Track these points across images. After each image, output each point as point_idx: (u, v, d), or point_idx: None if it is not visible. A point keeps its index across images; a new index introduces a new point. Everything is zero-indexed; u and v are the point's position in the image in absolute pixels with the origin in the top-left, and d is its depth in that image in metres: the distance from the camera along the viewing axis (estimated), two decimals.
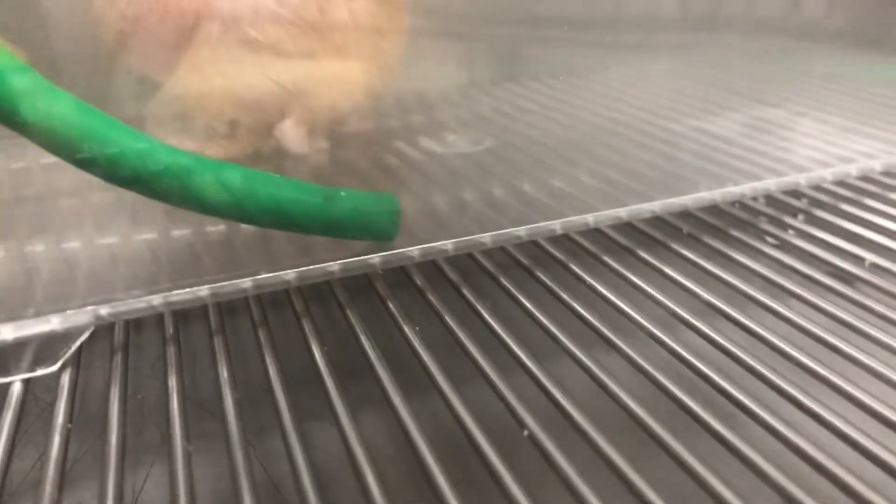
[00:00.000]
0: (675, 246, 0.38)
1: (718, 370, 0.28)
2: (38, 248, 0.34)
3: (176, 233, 0.37)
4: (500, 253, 0.36)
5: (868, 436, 0.25)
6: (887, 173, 0.44)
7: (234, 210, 0.29)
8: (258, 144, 0.44)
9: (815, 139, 0.47)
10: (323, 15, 0.40)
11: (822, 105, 0.53)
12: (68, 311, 0.28)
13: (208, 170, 0.29)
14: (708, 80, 0.58)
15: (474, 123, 0.51)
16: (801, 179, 0.41)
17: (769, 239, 0.39)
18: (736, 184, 0.40)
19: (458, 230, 0.36)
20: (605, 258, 0.36)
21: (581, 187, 0.41)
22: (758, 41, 0.67)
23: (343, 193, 0.31)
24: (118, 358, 0.29)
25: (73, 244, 0.36)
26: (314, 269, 0.31)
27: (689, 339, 0.30)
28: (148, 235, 0.37)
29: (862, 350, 0.29)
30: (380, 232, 0.32)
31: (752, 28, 0.68)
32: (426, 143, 0.47)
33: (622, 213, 0.37)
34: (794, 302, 0.33)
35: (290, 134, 0.43)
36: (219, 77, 0.41)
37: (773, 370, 0.28)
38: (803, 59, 0.63)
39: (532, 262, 0.36)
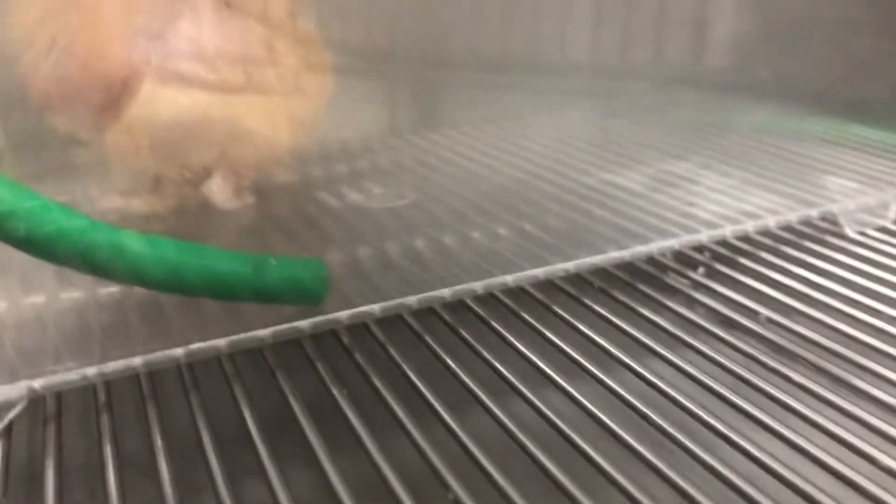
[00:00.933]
0: (587, 301, 0.40)
1: (617, 419, 0.30)
2: None
3: (103, 291, 0.37)
4: (425, 312, 0.38)
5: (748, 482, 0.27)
6: (785, 228, 0.48)
7: (166, 282, 0.30)
8: (184, 199, 0.45)
9: (719, 194, 0.50)
10: (248, 78, 0.42)
11: (725, 158, 0.57)
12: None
13: (140, 245, 0.29)
14: (619, 130, 0.61)
15: (396, 174, 0.53)
16: (703, 238, 0.44)
17: (673, 292, 0.42)
18: (644, 243, 0.42)
19: (385, 290, 0.37)
20: (524, 314, 0.38)
21: (501, 243, 0.44)
22: (665, 91, 0.71)
23: (273, 262, 0.32)
24: (51, 427, 0.30)
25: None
26: (245, 337, 0.32)
27: (592, 389, 0.32)
28: (76, 294, 0.37)
29: (752, 402, 0.32)
30: (309, 297, 0.33)
31: (660, 77, 0.72)
32: (352, 196, 0.49)
33: (539, 273, 0.39)
34: (689, 353, 0.36)
35: (218, 191, 0.44)
36: (145, 137, 0.41)
37: (663, 416, 0.30)
38: (706, 110, 0.67)
39: (455, 320, 0.38)
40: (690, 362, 0.35)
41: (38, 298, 0.36)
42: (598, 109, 0.68)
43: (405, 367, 0.34)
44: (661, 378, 0.33)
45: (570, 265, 0.40)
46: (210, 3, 0.41)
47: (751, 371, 0.34)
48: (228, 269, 0.31)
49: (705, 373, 0.34)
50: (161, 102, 0.40)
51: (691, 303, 0.41)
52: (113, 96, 0.40)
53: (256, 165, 0.45)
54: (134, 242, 0.29)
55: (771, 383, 0.33)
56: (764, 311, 0.40)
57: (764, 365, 0.35)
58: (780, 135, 0.61)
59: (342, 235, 0.45)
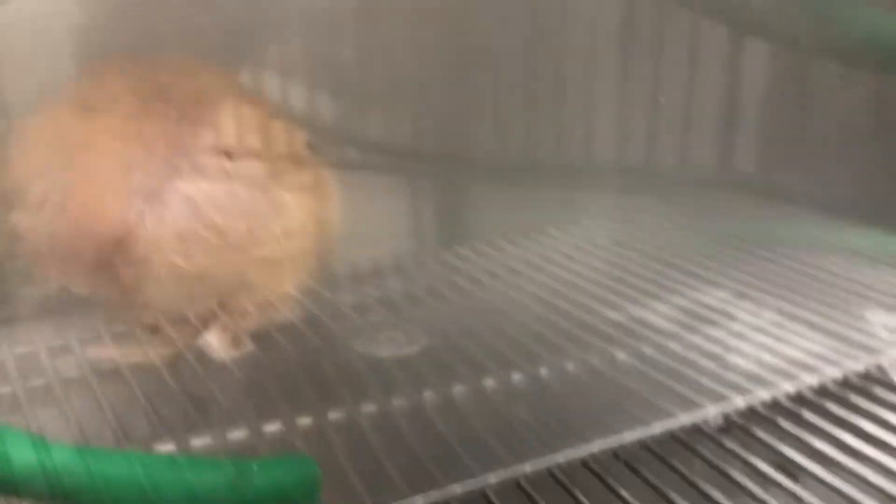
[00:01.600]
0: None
1: None
2: None
3: None
4: None
5: None
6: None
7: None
8: (180, 348, 0.42)
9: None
10: (251, 234, 0.39)
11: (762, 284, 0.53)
12: None
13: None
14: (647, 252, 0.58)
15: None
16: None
17: None
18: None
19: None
20: None
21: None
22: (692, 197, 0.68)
23: (255, 466, 0.29)
24: None
25: None
26: None
27: None
28: None
29: None
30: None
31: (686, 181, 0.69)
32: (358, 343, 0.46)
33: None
34: None
35: (215, 343, 0.42)
36: (140, 295, 0.39)
37: None
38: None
39: None
40: None
41: None
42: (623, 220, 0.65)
43: None
44: None
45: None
46: (210, 158, 0.38)
47: None
48: (205, 480, 0.28)
49: None
50: (158, 262, 0.38)
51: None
52: (106, 255, 0.38)
53: (255, 314, 0.42)
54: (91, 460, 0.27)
55: None
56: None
57: None
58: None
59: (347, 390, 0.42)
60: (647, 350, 0.45)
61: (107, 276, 0.38)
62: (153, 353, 0.43)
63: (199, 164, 0.37)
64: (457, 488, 0.33)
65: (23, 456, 0.25)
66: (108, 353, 0.43)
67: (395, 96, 0.58)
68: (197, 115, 0.38)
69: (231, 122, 0.39)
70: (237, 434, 0.37)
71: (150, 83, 0.38)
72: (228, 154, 0.39)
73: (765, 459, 0.38)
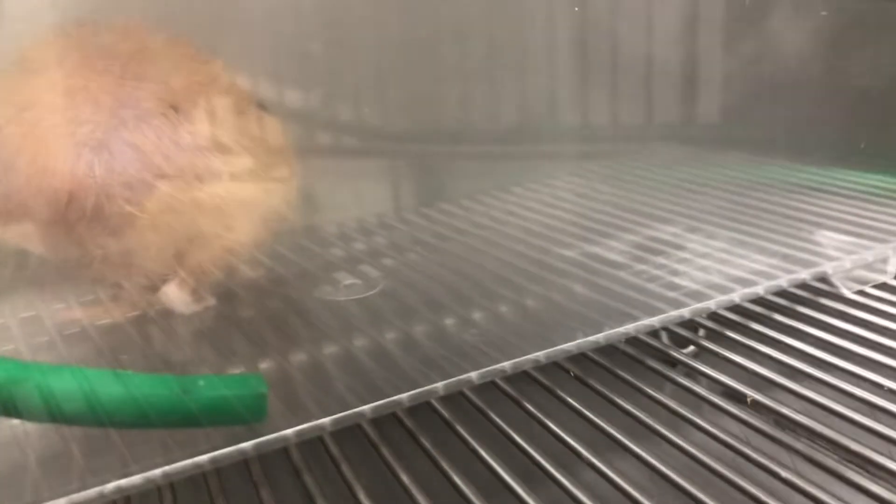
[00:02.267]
0: (560, 392, 0.38)
1: None
2: None
3: None
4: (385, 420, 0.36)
5: None
6: (777, 293, 0.45)
7: (82, 417, 0.28)
8: (143, 306, 0.43)
9: (707, 259, 0.48)
10: (199, 180, 0.41)
11: (712, 218, 0.54)
12: None
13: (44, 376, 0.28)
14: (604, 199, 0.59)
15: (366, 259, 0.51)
16: (685, 313, 0.41)
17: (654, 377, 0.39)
18: (622, 324, 0.40)
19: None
20: (492, 415, 0.36)
21: (473, 334, 0.41)
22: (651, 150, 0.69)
23: (202, 382, 0.30)
24: None
25: None
26: (182, 465, 0.31)
27: None
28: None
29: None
30: (245, 418, 0.32)
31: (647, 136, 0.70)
32: (321, 290, 0.47)
33: (507, 366, 0.37)
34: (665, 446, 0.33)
35: (174, 296, 0.43)
36: (96, 248, 0.40)
37: None
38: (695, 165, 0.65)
39: (415, 425, 0.35)
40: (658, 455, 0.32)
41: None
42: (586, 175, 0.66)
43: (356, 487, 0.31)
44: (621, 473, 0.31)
45: (541, 355, 0.38)
46: (155, 108, 0.40)
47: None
48: (150, 394, 0.29)
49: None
50: (110, 213, 0.39)
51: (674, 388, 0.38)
52: (60, 210, 0.39)
53: (215, 267, 0.43)
54: (37, 374, 0.28)
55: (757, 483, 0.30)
56: (752, 394, 0.37)
57: (751, 460, 0.32)
58: (765, 187, 0.59)
59: (308, 334, 0.43)
60: (601, 281, 0.46)
61: (62, 232, 0.39)
62: (117, 313, 0.44)
63: (144, 116, 0.38)
64: (404, 398, 0.34)
65: None
66: (75, 316, 0.44)
67: (362, 81, 0.59)
68: (140, 70, 0.39)
69: (176, 77, 0.40)
70: None
71: (91, 43, 0.39)
72: (175, 108, 0.40)
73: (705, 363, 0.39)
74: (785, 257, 0.46)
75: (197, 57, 0.43)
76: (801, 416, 0.35)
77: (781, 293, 0.45)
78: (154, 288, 0.43)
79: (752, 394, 0.37)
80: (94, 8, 0.44)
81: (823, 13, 0.57)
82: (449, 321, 0.43)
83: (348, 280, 0.48)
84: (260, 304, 0.46)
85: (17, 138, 0.38)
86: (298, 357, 0.40)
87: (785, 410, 0.35)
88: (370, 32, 0.57)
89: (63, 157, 0.38)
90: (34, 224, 0.39)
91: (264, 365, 0.40)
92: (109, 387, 0.29)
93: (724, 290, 0.42)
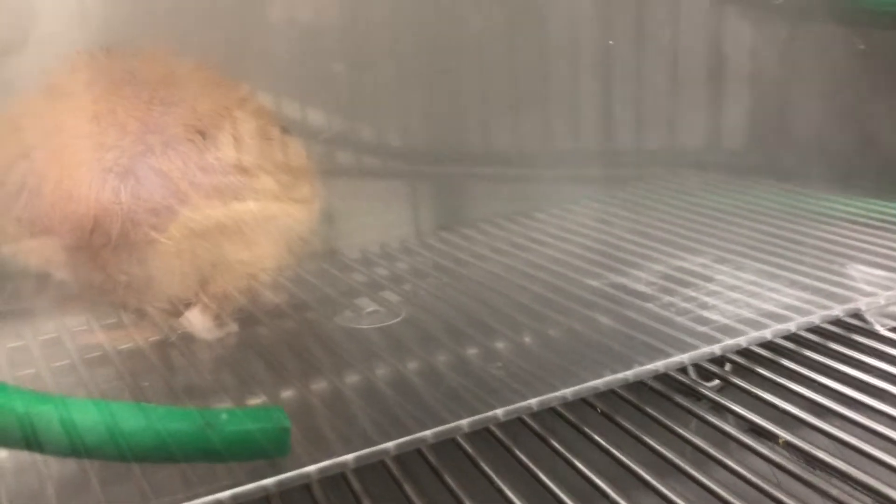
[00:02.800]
0: (587, 430, 0.37)
1: None
2: None
3: None
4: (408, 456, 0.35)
5: None
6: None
7: (104, 450, 0.28)
8: (165, 330, 0.43)
9: (737, 292, 0.47)
10: (227, 208, 0.40)
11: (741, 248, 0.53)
12: None
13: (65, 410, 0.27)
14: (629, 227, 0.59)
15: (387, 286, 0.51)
16: (716, 349, 0.41)
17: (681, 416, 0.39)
18: (652, 360, 0.39)
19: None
20: (517, 452, 0.36)
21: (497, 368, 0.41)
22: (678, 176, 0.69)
23: (225, 415, 0.30)
24: None
25: None
26: (203, 501, 0.30)
27: None
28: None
29: None
30: (268, 453, 0.31)
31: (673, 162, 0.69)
32: (343, 316, 0.47)
33: (533, 403, 0.36)
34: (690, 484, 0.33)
35: (197, 321, 0.42)
36: (121, 273, 0.40)
37: None
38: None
39: (439, 461, 0.35)
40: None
41: None
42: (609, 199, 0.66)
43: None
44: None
45: (569, 392, 0.37)
46: (182, 134, 0.39)
47: None
48: (173, 427, 0.29)
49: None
50: (135, 239, 0.39)
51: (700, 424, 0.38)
52: (84, 236, 0.39)
53: (238, 292, 0.43)
54: (59, 406, 0.27)
55: None
56: (781, 433, 0.36)
57: (780, 502, 0.31)
58: (794, 217, 0.58)
59: (329, 362, 0.42)
60: (628, 313, 0.45)
61: (86, 257, 0.39)
62: (139, 337, 0.44)
63: (171, 142, 0.38)
64: (428, 435, 0.34)
65: None
66: (97, 339, 0.44)
67: (384, 102, 0.59)
68: (167, 95, 0.39)
69: (203, 102, 0.40)
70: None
71: (119, 68, 0.39)
72: (202, 133, 0.40)
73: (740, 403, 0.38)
74: (817, 291, 0.45)
75: (223, 81, 0.43)
76: (833, 457, 0.34)
77: (813, 329, 0.44)
78: (176, 313, 0.43)
79: (781, 433, 0.36)
80: (121, 33, 0.45)
81: (861, 47, 0.56)
82: (472, 351, 0.42)
83: (370, 307, 0.48)
84: (281, 330, 0.45)
85: (43, 163, 0.38)
86: (320, 385, 0.39)
87: (816, 451, 0.34)
88: (392, 55, 0.57)
89: (89, 182, 0.38)
90: (58, 249, 0.39)
91: (286, 393, 0.39)
92: (132, 419, 0.29)
93: (755, 325, 0.41)
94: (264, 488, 0.31)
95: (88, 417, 0.28)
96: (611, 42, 0.59)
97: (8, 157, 0.38)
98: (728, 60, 0.66)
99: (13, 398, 0.27)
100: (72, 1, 0.44)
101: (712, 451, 0.35)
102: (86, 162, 0.38)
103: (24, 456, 0.33)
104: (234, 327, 0.44)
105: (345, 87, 0.58)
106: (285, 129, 0.45)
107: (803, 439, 0.36)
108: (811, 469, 0.34)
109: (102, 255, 0.39)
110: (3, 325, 0.45)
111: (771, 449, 0.35)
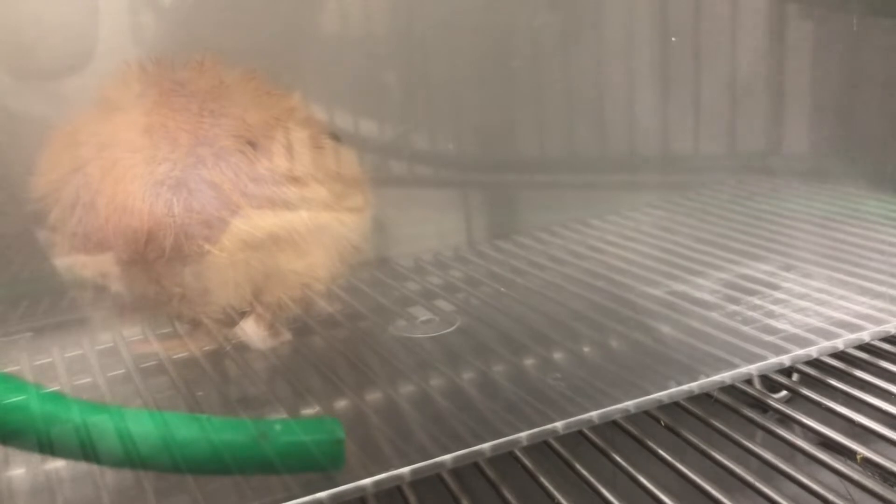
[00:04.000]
0: (650, 443, 0.36)
1: None
2: None
3: None
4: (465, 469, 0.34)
5: None
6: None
7: (158, 460, 0.27)
8: (219, 340, 0.43)
9: (805, 301, 0.45)
10: (279, 218, 0.40)
11: (809, 255, 0.51)
12: None
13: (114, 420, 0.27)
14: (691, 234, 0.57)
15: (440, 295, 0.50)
16: (785, 360, 0.39)
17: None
18: (717, 371, 0.38)
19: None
20: (577, 465, 0.34)
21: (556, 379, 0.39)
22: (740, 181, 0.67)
23: (278, 426, 0.29)
24: None
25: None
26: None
27: None
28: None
29: None
30: (322, 465, 0.30)
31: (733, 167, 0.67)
32: (396, 325, 0.46)
33: (594, 416, 0.35)
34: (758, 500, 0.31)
35: (251, 331, 0.42)
36: (175, 285, 0.40)
37: None
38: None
39: (497, 475, 0.34)
40: None
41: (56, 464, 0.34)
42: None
43: None
44: None
45: (631, 405, 0.36)
46: (232, 146, 0.39)
47: None
48: (226, 438, 0.28)
49: None
50: (189, 251, 0.39)
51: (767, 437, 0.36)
52: (138, 249, 0.39)
53: (292, 302, 0.43)
54: (115, 416, 0.27)
55: None
56: (855, 446, 0.34)
57: None
58: (862, 222, 0.56)
59: (384, 372, 0.42)
60: (691, 322, 0.43)
61: (141, 270, 0.39)
62: (194, 347, 0.43)
63: (222, 153, 0.38)
64: (486, 448, 0.33)
65: (40, 407, 0.26)
66: (152, 348, 0.44)
67: (438, 112, 0.59)
68: (217, 107, 0.39)
69: (253, 112, 0.40)
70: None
71: (169, 80, 0.39)
72: (252, 144, 0.39)
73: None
74: (892, 299, 0.43)
75: (272, 91, 0.43)
76: None
77: (889, 338, 0.42)
78: (231, 323, 0.43)
79: (854, 446, 0.34)
80: (171, 44, 0.45)
81: None
82: (529, 361, 0.41)
83: (424, 316, 0.47)
84: (335, 340, 0.45)
85: (96, 178, 0.38)
86: (374, 396, 0.39)
87: (894, 466, 0.33)
88: (445, 62, 0.57)
89: (142, 196, 0.38)
90: (113, 262, 0.39)
91: (340, 404, 0.39)
92: (186, 429, 0.28)
93: (825, 334, 0.39)
94: (319, 501, 0.30)
95: (143, 427, 0.28)
96: (673, 39, 0.57)
97: (62, 172, 0.39)
98: (790, 60, 0.64)
99: (70, 408, 0.26)
100: (125, 18, 0.45)
101: (781, 464, 0.33)
102: (139, 175, 0.38)
103: (81, 466, 0.33)
104: (287, 337, 0.44)
105: (398, 96, 0.57)
106: (336, 138, 0.45)
107: (879, 453, 0.34)
108: (888, 486, 0.32)
109: (156, 268, 0.39)
110: (61, 335, 0.46)
111: (843, 463, 0.34)
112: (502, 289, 0.49)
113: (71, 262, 0.40)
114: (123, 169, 0.38)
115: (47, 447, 0.27)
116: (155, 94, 0.39)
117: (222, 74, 0.41)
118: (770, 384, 0.41)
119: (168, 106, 0.39)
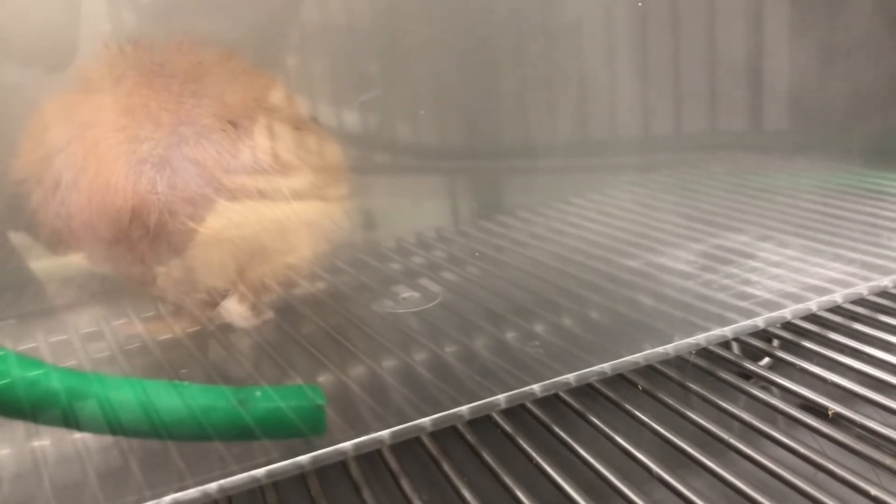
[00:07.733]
0: (628, 406, 0.36)
1: None
2: None
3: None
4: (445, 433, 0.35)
5: None
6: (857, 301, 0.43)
7: (141, 427, 0.28)
8: (203, 321, 0.43)
9: (780, 268, 0.46)
10: (263, 197, 0.41)
11: (785, 225, 0.52)
12: None
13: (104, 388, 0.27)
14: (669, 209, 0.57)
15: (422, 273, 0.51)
16: (759, 322, 0.40)
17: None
18: (692, 334, 0.38)
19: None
20: (556, 429, 0.35)
21: (535, 347, 0.40)
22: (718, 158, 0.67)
23: (259, 393, 0.30)
24: None
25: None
26: (239, 479, 0.30)
27: None
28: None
29: None
30: (303, 431, 0.31)
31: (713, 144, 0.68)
32: (380, 303, 0.47)
33: (571, 378, 0.36)
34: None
35: (234, 311, 0.43)
36: (160, 264, 0.40)
37: None
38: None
39: (476, 439, 0.35)
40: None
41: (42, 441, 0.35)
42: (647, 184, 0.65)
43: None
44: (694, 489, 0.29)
45: (607, 366, 0.36)
46: (214, 125, 0.40)
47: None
48: (207, 406, 0.29)
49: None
50: (173, 230, 0.39)
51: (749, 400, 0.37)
52: (122, 228, 0.39)
53: (275, 282, 0.43)
54: (96, 386, 0.28)
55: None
56: (832, 405, 0.35)
57: (834, 475, 0.30)
58: (838, 193, 0.57)
59: (366, 347, 0.42)
60: (668, 291, 0.44)
61: (125, 249, 0.39)
62: (177, 328, 0.44)
63: (203, 132, 0.39)
64: (464, 411, 0.33)
65: (25, 374, 0.26)
66: (136, 330, 0.44)
67: (420, 101, 0.59)
68: (198, 88, 0.39)
69: (233, 92, 0.40)
70: None
71: (149, 61, 0.40)
72: (234, 123, 0.40)
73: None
74: (863, 265, 0.43)
75: (251, 70, 0.43)
76: (887, 428, 0.33)
77: (860, 301, 0.43)
78: (214, 303, 0.44)
79: (832, 406, 0.35)
80: (148, 24, 0.45)
81: None
82: (510, 334, 0.42)
83: (406, 293, 0.47)
84: (319, 318, 0.45)
85: (78, 157, 0.38)
86: (357, 370, 0.39)
87: (869, 423, 0.33)
88: (427, 47, 0.57)
89: (125, 173, 0.38)
90: (97, 242, 0.40)
91: (322, 378, 0.39)
92: (166, 398, 0.29)
93: (799, 298, 0.40)
94: (300, 465, 0.31)
95: (124, 396, 0.28)
96: (639, 3, 0.58)
97: (44, 153, 0.39)
98: (766, 38, 0.65)
99: (50, 375, 0.27)
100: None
101: (761, 426, 0.34)
102: (122, 154, 0.38)
103: (67, 445, 0.34)
104: (270, 315, 0.44)
105: (379, 84, 0.58)
106: (315, 119, 0.45)
107: (856, 411, 0.34)
108: (863, 442, 0.33)
109: (140, 247, 0.39)
110: (45, 320, 0.46)
111: (821, 423, 0.34)
112: (477, 255, 0.50)
113: (55, 243, 0.40)
114: (106, 148, 0.38)
115: (30, 414, 0.27)
116: (135, 75, 0.40)
117: (200, 55, 0.42)
118: (752, 352, 0.42)
119: (149, 87, 0.39)
